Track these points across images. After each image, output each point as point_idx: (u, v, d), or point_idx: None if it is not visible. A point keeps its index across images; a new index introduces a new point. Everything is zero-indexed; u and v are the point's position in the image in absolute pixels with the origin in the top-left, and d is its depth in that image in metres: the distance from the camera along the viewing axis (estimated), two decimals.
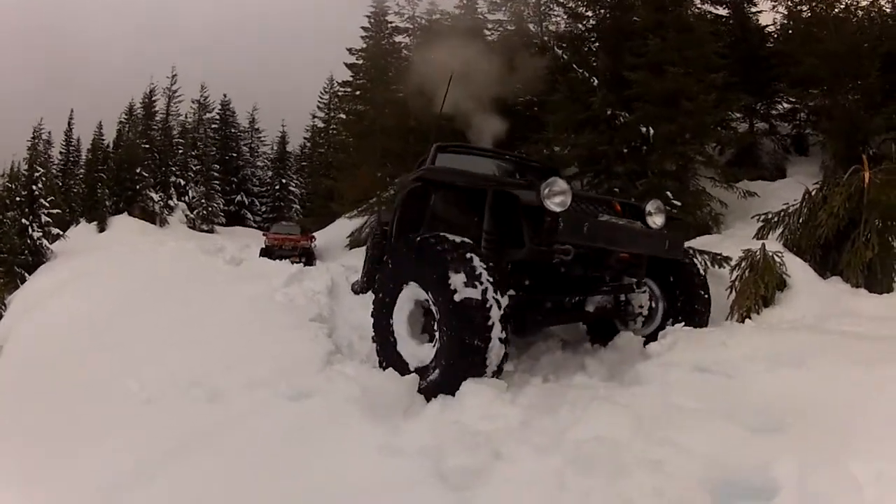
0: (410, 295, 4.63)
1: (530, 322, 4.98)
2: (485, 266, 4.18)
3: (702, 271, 5.77)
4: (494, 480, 3.01)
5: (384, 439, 3.55)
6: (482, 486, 2.98)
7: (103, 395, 5.21)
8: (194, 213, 34.05)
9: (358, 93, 24.75)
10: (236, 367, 5.06)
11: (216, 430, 4.07)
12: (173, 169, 35.16)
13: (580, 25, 14.13)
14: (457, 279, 4.08)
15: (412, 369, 4.45)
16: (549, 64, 12.29)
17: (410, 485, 3.08)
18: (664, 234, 5.29)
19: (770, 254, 6.16)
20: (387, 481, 3.14)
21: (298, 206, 40.74)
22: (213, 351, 5.68)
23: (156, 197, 32.37)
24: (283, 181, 42.44)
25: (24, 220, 21.39)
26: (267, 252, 18.57)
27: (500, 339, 4.13)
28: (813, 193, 6.93)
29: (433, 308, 4.33)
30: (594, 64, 12.19)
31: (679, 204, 9.07)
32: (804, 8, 13.01)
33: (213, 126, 42.83)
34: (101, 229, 28.81)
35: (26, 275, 19.68)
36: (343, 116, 29.72)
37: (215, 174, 37.37)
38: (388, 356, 4.76)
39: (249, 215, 40.89)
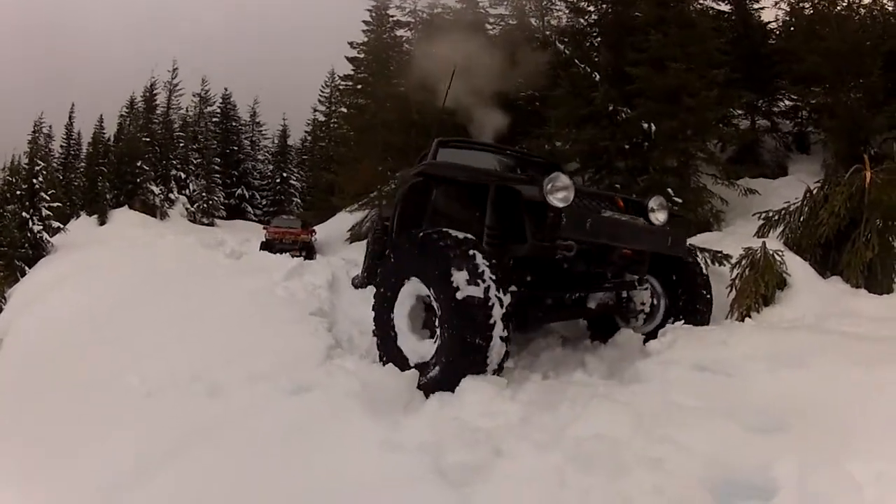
0: (412, 290, 4.61)
1: (531, 318, 4.96)
2: (487, 263, 4.15)
3: (705, 270, 5.73)
4: (494, 477, 3.00)
5: (384, 435, 3.54)
6: (482, 483, 2.98)
7: (104, 390, 5.22)
8: (195, 206, 34.09)
9: (359, 86, 24.67)
10: (237, 361, 5.06)
11: (216, 426, 4.07)
12: (174, 162, 35.20)
13: (582, 20, 14.12)
14: (459, 276, 4.06)
15: (412, 365, 4.44)
16: (551, 59, 12.28)
17: (410, 481, 3.08)
18: (667, 231, 5.26)
19: (771, 252, 6.15)
20: (387, 477, 3.14)
21: (299, 200, 40.72)
22: (214, 345, 5.69)
23: (156, 190, 32.40)
24: (284, 175, 42.41)
25: (24, 214, 21.44)
26: (267, 246, 18.58)
27: (501, 338, 4.11)
28: (814, 192, 6.91)
29: (435, 304, 4.31)
30: (596, 59, 12.18)
31: (680, 201, 9.06)
32: (806, 5, 13.01)
33: (214, 119, 42.85)
34: (102, 222, 28.85)
35: (26, 268, 19.72)
36: (344, 110, 29.63)
37: (216, 167, 37.40)
38: (389, 351, 4.74)
39: (250, 209, 40.89)
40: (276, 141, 45.27)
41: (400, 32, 22.97)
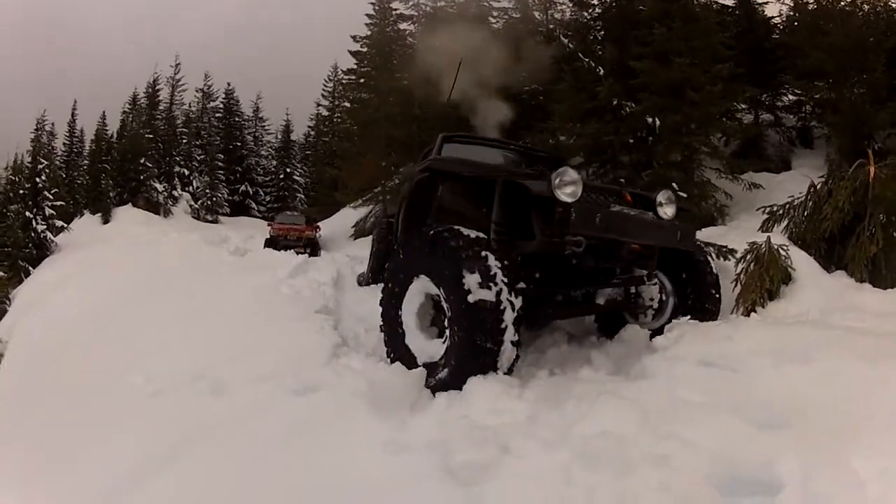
0: (421, 288, 4.57)
1: (541, 316, 4.96)
2: (500, 265, 4.11)
3: (714, 269, 5.65)
4: (502, 475, 3.03)
5: (391, 434, 3.56)
6: (490, 481, 3.00)
7: (107, 390, 5.24)
8: (198, 203, 34.00)
9: (362, 81, 24.61)
10: (241, 360, 5.08)
11: (220, 425, 4.09)
12: (177, 159, 35.10)
13: (586, 14, 14.04)
14: (471, 279, 4.02)
15: (420, 364, 4.41)
16: (555, 53, 12.24)
17: (418, 479, 3.10)
18: (676, 225, 5.23)
19: (775, 247, 6.14)
20: (394, 476, 3.16)
21: (303, 196, 40.57)
22: (218, 343, 5.71)
23: (160, 187, 32.33)
24: (288, 170, 42.28)
25: (27, 213, 21.39)
26: (271, 242, 18.54)
27: (512, 342, 4.10)
28: (818, 187, 6.89)
29: (445, 305, 4.27)
30: (600, 53, 12.13)
31: (684, 195, 9.04)
32: (810, 0, 12.95)
33: (217, 115, 42.64)
34: (106, 221, 28.80)
35: (31, 268, 19.69)
36: (347, 105, 29.62)
37: (219, 164, 37.29)
38: (396, 348, 4.73)
39: (254, 205, 40.76)
40: (279, 136, 45.05)
41: (403, 26, 22.92)
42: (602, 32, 13.47)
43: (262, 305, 6.88)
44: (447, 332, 4.28)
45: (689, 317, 5.19)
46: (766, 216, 7.36)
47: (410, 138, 17.02)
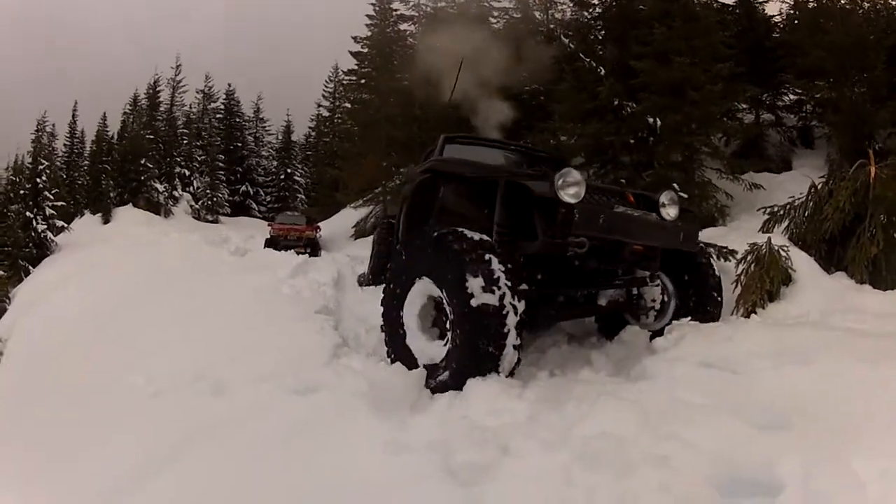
0: (423, 289, 4.54)
1: (543, 317, 4.94)
2: (503, 269, 4.08)
3: (717, 271, 5.63)
4: (502, 476, 3.02)
5: (391, 435, 3.56)
6: (490, 482, 2.99)
7: (107, 390, 5.24)
8: (199, 203, 34.04)
9: (363, 81, 24.64)
10: (242, 360, 5.08)
11: (220, 425, 4.09)
12: (178, 159, 35.14)
13: (586, 14, 14.03)
14: (474, 283, 3.99)
15: (421, 365, 4.39)
16: (556, 53, 12.24)
17: (418, 480, 3.10)
18: (679, 226, 5.22)
19: (776, 248, 6.14)
20: (394, 477, 3.15)
21: (303, 196, 40.60)
22: (218, 343, 5.70)
23: (160, 188, 32.38)
24: (288, 171, 42.29)
25: (28, 213, 21.47)
26: (272, 242, 18.54)
27: (514, 347, 4.08)
28: (819, 187, 6.88)
29: (447, 307, 4.24)
30: (601, 53, 12.12)
31: (685, 195, 9.03)
32: None
33: (218, 116, 42.66)
34: (106, 221, 28.83)
35: (31, 268, 19.75)
36: (348, 105, 29.65)
37: (220, 164, 37.33)
38: (397, 349, 4.70)
39: (254, 205, 40.78)
40: (279, 137, 45.11)
41: (403, 26, 22.95)
42: (602, 32, 13.45)
43: (263, 306, 6.88)
44: (449, 334, 4.26)
45: (689, 318, 5.18)
46: (766, 217, 7.36)
47: (411, 139, 17.02)
